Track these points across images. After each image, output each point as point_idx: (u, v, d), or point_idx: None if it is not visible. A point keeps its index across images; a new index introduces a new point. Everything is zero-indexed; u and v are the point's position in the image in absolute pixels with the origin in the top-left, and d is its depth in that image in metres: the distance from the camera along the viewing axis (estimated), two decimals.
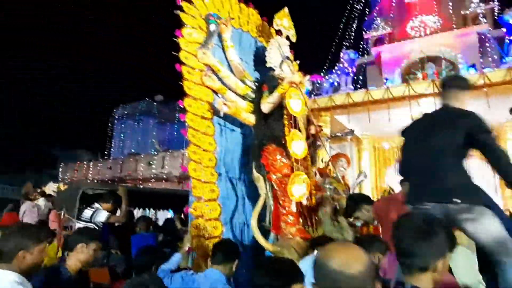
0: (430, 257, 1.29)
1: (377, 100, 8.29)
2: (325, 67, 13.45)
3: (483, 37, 11.05)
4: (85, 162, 18.66)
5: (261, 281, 1.49)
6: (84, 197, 4.09)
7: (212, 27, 3.51)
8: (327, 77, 10.77)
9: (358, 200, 3.22)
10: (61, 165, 18.72)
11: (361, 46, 15.04)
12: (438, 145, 2.24)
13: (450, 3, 12.40)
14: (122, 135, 22.86)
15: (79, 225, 4.00)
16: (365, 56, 13.90)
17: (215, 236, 2.92)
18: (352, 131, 4.58)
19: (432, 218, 1.48)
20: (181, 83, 3.07)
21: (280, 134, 3.42)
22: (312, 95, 10.16)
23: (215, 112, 3.29)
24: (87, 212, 4.02)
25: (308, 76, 4.59)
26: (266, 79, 3.75)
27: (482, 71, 7.75)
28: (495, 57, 10.89)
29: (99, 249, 2.22)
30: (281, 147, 3.36)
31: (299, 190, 3.01)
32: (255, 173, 3.27)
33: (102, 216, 4.00)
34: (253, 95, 3.71)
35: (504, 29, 8.42)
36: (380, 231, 3.09)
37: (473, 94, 7.48)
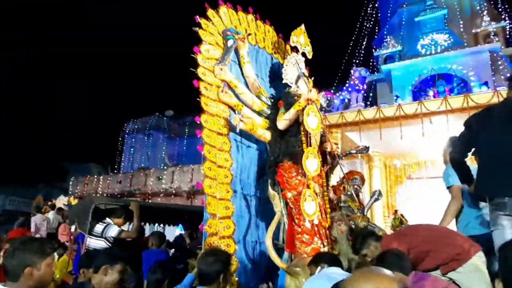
0: None
1: (389, 117, 8.24)
2: (336, 84, 13.52)
3: (495, 55, 11.01)
4: (95, 176, 18.78)
5: None
6: (96, 211, 4.06)
7: (230, 42, 3.54)
8: (337, 94, 10.78)
9: (366, 236, 3.08)
10: (72, 179, 18.84)
11: (371, 63, 15.12)
12: None
13: (461, 21, 12.45)
14: (132, 149, 23.06)
15: (90, 239, 3.97)
16: (375, 73, 13.93)
17: None
18: (367, 148, 4.51)
19: None
20: (198, 99, 3.07)
21: (297, 151, 3.38)
22: (323, 112, 10.16)
23: (231, 128, 3.27)
24: (99, 227, 3.99)
25: (322, 93, 4.58)
26: (282, 96, 3.74)
27: (495, 89, 7.66)
28: (508, 75, 10.82)
29: (125, 271, 2.18)
30: (297, 164, 3.32)
31: (310, 207, 2.95)
32: (271, 191, 3.22)
33: (113, 231, 3.96)
34: (268, 112, 3.70)
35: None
36: None
37: None
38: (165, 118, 23.84)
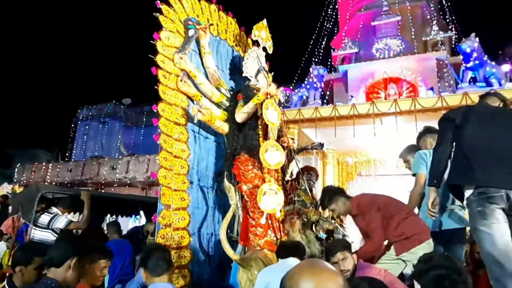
0: None
1: (343, 116, 8.56)
2: (295, 81, 13.77)
3: (441, 62, 11.81)
4: (43, 163, 17.60)
5: None
6: (42, 201, 3.83)
7: (191, 32, 3.47)
8: (296, 91, 10.99)
9: (335, 192, 3.25)
10: (18, 166, 17.52)
11: (329, 63, 15.57)
12: None
13: (413, 29, 13.18)
14: (85, 137, 21.92)
15: (35, 231, 3.74)
16: (333, 73, 14.37)
17: (182, 246, 2.83)
18: (321, 144, 4.66)
19: None
20: (156, 87, 2.99)
21: (254, 144, 3.41)
22: (282, 108, 10.32)
23: (189, 118, 3.22)
24: (45, 218, 3.76)
25: (281, 88, 4.65)
26: (242, 89, 3.75)
27: (440, 94, 8.24)
28: (451, 82, 11.67)
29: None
30: (254, 158, 3.35)
31: (270, 201, 3.00)
32: (226, 183, 3.23)
33: (61, 222, 3.76)
34: (227, 104, 3.68)
35: (460, 57, 9.03)
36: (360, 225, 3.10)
37: (431, 116, 7.96)
38: (122, 106, 22.89)
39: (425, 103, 7.85)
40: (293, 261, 2.37)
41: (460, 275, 1.60)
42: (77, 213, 4.74)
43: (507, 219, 2.15)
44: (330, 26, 16.09)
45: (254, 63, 3.84)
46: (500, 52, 13.65)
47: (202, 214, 3.25)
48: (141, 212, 6.07)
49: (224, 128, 3.49)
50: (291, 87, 12.69)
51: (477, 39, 8.45)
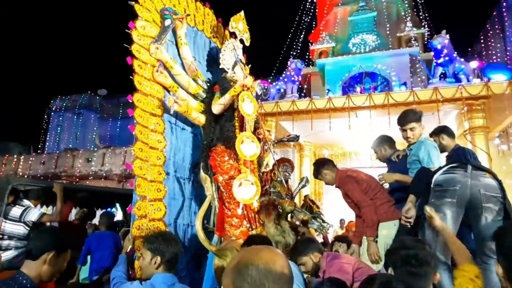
0: None
1: (320, 109, 8.70)
2: (273, 74, 13.83)
3: (414, 58, 12.16)
4: (15, 156, 16.93)
5: None
6: (13, 193, 3.72)
7: (167, 22, 3.43)
8: (274, 84, 11.04)
9: (323, 163, 3.70)
10: None
11: (307, 56, 15.70)
12: None
13: (388, 25, 13.48)
14: (59, 129, 21.19)
15: (5, 224, 3.64)
16: (310, 66, 14.51)
17: None
18: (297, 136, 4.74)
19: None
20: (131, 77, 2.95)
21: (230, 136, 3.43)
22: (259, 100, 10.37)
23: (166, 109, 3.21)
24: (16, 210, 3.66)
25: (258, 81, 4.68)
26: (219, 80, 3.75)
27: (412, 90, 8.51)
28: (423, 77, 12.06)
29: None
30: (230, 149, 3.38)
31: (245, 192, 3.04)
32: (202, 174, 3.25)
33: (33, 214, 3.68)
34: (204, 95, 3.69)
35: (432, 53, 9.33)
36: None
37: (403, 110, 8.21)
38: (97, 97, 22.23)
39: (398, 98, 8.09)
40: None
41: (427, 256, 1.71)
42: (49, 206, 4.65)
43: None
44: (308, 20, 16.22)
45: (231, 55, 3.84)
46: (469, 49, 14.20)
47: (178, 205, 3.26)
48: (117, 205, 6.01)
49: (200, 119, 3.50)
50: (269, 80, 12.75)
51: (447, 36, 8.76)
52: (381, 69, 12.71)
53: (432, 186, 2.53)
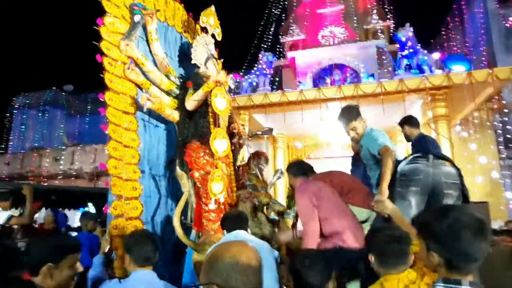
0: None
1: (292, 102, 8.82)
2: (245, 67, 13.82)
3: (381, 50, 12.53)
4: None
5: None
6: None
7: (137, 17, 3.37)
8: (246, 77, 11.06)
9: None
10: None
11: (278, 49, 15.79)
12: None
13: (355, 18, 13.78)
14: (23, 127, 20.16)
15: None
16: (282, 59, 14.62)
17: None
18: (271, 130, 4.82)
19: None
20: (101, 75, 2.90)
21: (205, 132, 3.45)
22: (232, 94, 10.36)
23: (139, 107, 3.18)
24: None
25: (231, 75, 4.71)
26: (191, 76, 3.75)
27: (379, 81, 8.80)
28: (390, 69, 12.46)
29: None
30: (205, 145, 3.40)
31: (217, 187, 3.10)
32: (178, 170, 3.26)
33: (0, 217, 3.56)
34: (177, 92, 3.67)
35: (397, 45, 9.66)
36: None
37: (371, 101, 8.50)
38: (63, 93, 21.31)
39: (366, 89, 8.34)
40: (238, 234, 2.50)
41: (407, 236, 1.84)
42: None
43: None
44: (279, 13, 16.27)
45: (203, 50, 3.84)
46: (432, 40, 14.79)
47: (155, 202, 3.26)
48: (90, 204, 5.89)
49: (174, 116, 3.49)
50: (241, 73, 12.74)
51: (411, 28, 9.09)
52: (350, 61, 13.02)
53: (397, 175, 2.70)
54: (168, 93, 3.59)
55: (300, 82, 12.79)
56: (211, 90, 3.42)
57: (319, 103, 8.58)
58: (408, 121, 3.96)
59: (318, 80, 13.67)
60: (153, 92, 3.35)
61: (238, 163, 4.42)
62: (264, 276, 2.37)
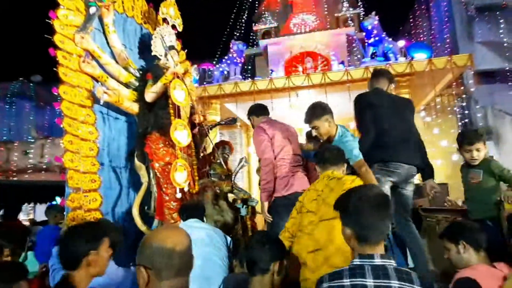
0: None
1: (262, 90, 8.92)
2: (218, 56, 13.74)
3: (351, 38, 12.75)
4: None
5: None
6: None
7: (92, 9, 3.36)
8: (217, 66, 11.04)
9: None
10: None
11: (251, 37, 15.77)
12: (410, 120, 3.09)
13: (326, 5, 13.91)
14: None
15: None
16: (254, 47, 14.63)
17: None
18: (234, 119, 4.92)
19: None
20: (55, 69, 2.90)
21: (165, 123, 3.51)
22: (205, 83, 10.35)
23: (96, 100, 3.20)
24: None
25: (195, 66, 4.75)
26: (151, 68, 3.78)
27: (346, 69, 9.02)
28: (359, 56, 12.72)
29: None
30: (165, 136, 3.47)
31: (181, 177, 3.20)
32: (137, 162, 3.33)
33: None
34: (136, 84, 3.70)
35: (364, 33, 9.89)
36: None
37: (339, 89, 8.72)
38: (31, 84, 20.48)
39: (333, 77, 8.54)
40: (193, 222, 2.63)
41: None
42: None
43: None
44: (251, 0, 16.17)
45: (162, 41, 3.87)
46: (400, 28, 15.15)
47: (115, 194, 3.33)
48: (58, 198, 5.85)
49: (134, 108, 3.53)
50: (214, 63, 12.68)
51: (376, 17, 9.32)
52: (321, 49, 13.19)
53: (377, 162, 2.90)
54: (127, 85, 3.62)
55: (272, 71, 12.86)
56: (170, 82, 3.47)
57: (288, 91, 8.72)
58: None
59: (290, 68, 13.82)
60: (110, 85, 3.38)
61: (202, 152, 4.52)
62: (211, 260, 2.50)
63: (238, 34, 15.14)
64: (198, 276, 2.41)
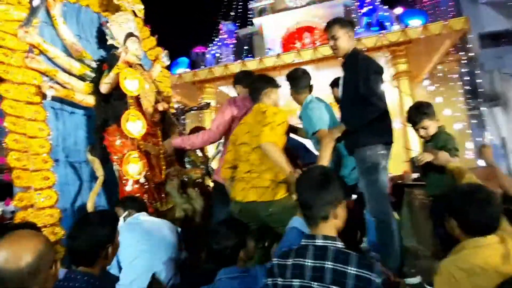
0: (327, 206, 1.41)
1: (252, 71, 8.72)
2: (213, 39, 13.47)
3: (348, 9, 12.22)
4: None
5: None
6: None
7: (35, 1, 3.23)
8: (209, 49, 10.85)
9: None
10: None
11: (248, 16, 15.36)
12: None
13: None
14: None
15: None
16: (250, 26, 14.26)
17: (52, 224, 2.89)
18: (208, 104, 4.78)
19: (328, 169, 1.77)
20: None
21: (122, 114, 3.42)
22: (202, 67, 10.19)
23: (43, 96, 3.12)
24: None
25: (165, 51, 4.61)
26: (108, 58, 3.67)
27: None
28: (358, 27, 12.22)
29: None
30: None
31: (134, 168, 3.13)
32: (89, 156, 3.27)
33: None
34: (93, 75, 3.60)
35: (357, 3, 9.44)
36: None
37: (331, 64, 8.39)
38: None
39: (325, 52, 8.23)
40: (142, 215, 2.58)
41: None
42: None
43: None
44: None
45: (120, 29, 3.74)
46: None
47: (74, 189, 3.29)
48: None
49: (88, 101, 3.45)
50: (209, 46, 12.45)
51: None
52: (319, 22, 12.72)
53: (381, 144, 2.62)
54: (82, 77, 3.52)
55: (269, 49, 12.54)
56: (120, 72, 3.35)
57: (278, 70, 8.48)
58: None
59: (288, 45, 13.42)
60: (61, 78, 3.29)
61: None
62: (160, 252, 2.43)
63: (234, 14, 14.78)
64: (147, 270, 2.37)
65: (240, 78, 3.71)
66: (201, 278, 2.14)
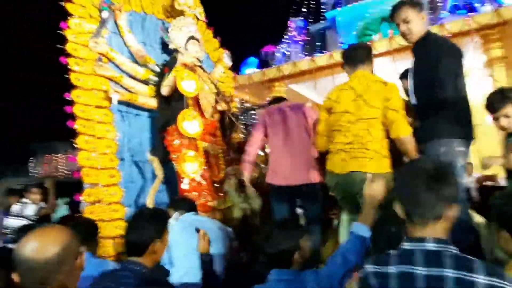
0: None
1: (322, 67, 8.42)
2: (283, 37, 13.38)
3: None
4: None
5: None
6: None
7: (105, 14, 3.51)
8: (278, 47, 10.78)
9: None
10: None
11: (321, 10, 14.93)
12: None
13: None
14: None
15: (8, 220, 4.17)
16: (322, 21, 13.83)
17: (116, 219, 3.11)
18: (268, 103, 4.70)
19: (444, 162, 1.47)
20: (66, 75, 3.13)
21: None
22: (273, 65, 10.20)
23: (111, 100, 3.37)
24: (15, 207, 4.17)
25: (226, 52, 4.67)
26: (169, 62, 3.83)
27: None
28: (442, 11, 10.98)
29: None
30: None
31: (190, 167, 3.19)
32: (149, 156, 3.43)
33: (30, 209, 4.16)
34: (156, 79, 3.79)
35: None
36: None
37: (408, 55, 7.64)
38: None
39: (402, 41, 7.53)
40: (191, 214, 2.60)
41: None
42: None
43: None
44: None
45: (180, 33, 3.88)
46: None
47: (137, 187, 3.49)
48: None
49: (150, 103, 3.64)
50: (279, 45, 12.39)
51: None
52: None
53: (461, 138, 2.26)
54: (146, 82, 3.73)
55: (342, 43, 12.00)
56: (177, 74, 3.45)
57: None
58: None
59: (364, 37, 12.67)
60: (126, 84, 3.52)
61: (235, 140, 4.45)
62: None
63: (306, 10, 14.48)
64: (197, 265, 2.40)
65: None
66: (254, 277, 2.09)
